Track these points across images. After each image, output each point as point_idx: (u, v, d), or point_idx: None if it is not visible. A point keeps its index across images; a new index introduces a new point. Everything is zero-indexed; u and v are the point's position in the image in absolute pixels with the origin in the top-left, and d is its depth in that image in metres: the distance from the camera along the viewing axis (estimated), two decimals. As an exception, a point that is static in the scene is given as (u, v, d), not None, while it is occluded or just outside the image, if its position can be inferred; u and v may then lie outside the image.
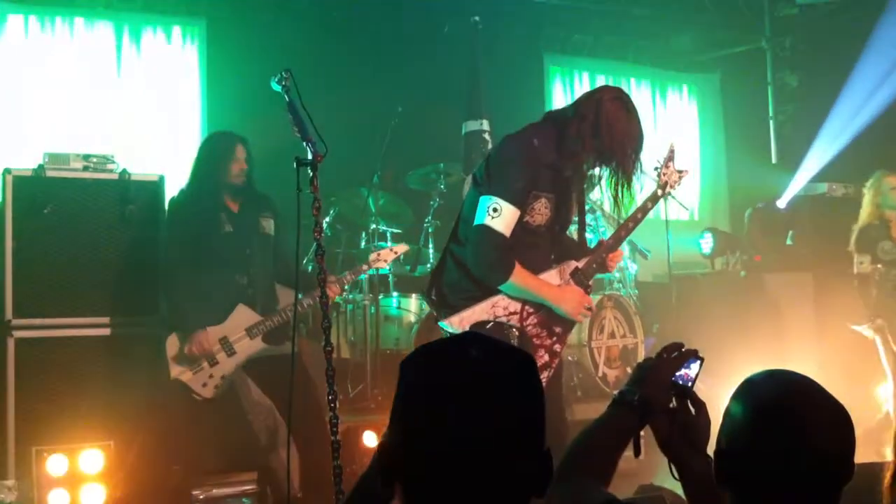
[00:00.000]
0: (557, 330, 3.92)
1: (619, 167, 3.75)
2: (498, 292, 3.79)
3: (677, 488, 2.19)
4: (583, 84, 9.90)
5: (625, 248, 7.15)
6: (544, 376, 3.83)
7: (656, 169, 4.13)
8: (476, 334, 1.56)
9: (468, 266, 3.80)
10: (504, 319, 3.80)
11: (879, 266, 6.36)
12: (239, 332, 4.84)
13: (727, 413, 1.86)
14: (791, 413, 1.78)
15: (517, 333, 3.81)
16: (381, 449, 1.52)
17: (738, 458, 1.80)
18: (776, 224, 8.18)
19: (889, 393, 6.26)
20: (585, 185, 4.03)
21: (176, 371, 4.77)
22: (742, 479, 1.80)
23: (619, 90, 3.91)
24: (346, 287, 5.46)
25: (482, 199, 3.73)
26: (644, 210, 4.03)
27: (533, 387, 1.50)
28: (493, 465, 1.41)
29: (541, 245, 3.90)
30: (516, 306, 3.83)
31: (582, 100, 3.88)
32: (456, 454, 1.41)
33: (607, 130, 3.71)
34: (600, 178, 3.85)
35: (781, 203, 8.46)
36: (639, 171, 3.81)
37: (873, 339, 6.36)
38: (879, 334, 6.30)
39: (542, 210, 3.78)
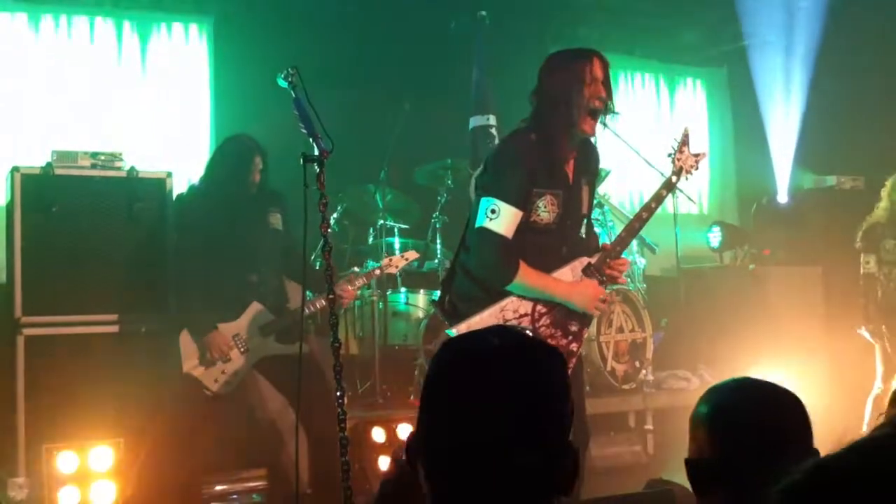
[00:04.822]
0: (573, 329, 3.83)
1: (582, 105, 3.65)
2: (507, 295, 3.72)
3: (687, 483, 2.19)
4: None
5: (633, 243, 7.14)
6: None
7: (670, 155, 4.03)
8: (503, 327, 1.57)
9: (474, 271, 3.76)
10: (515, 323, 3.71)
11: (884, 268, 6.32)
12: (252, 330, 4.85)
13: (690, 421, 1.90)
14: (747, 417, 1.83)
15: (530, 334, 3.73)
16: (408, 440, 1.53)
17: (704, 463, 1.84)
18: (784, 218, 8.16)
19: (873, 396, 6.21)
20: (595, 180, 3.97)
21: (189, 366, 4.78)
22: (712, 483, 1.83)
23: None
24: (357, 291, 5.48)
25: (481, 201, 3.68)
26: (658, 199, 3.95)
27: (555, 380, 1.49)
28: (511, 458, 1.40)
29: (550, 244, 3.80)
30: (527, 308, 3.75)
31: None
32: (473, 446, 1.41)
33: (554, 80, 3.70)
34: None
35: (782, 198, 8.45)
36: (609, 110, 3.73)
37: (876, 344, 6.31)
38: (878, 341, 6.26)
39: (548, 207, 3.71)
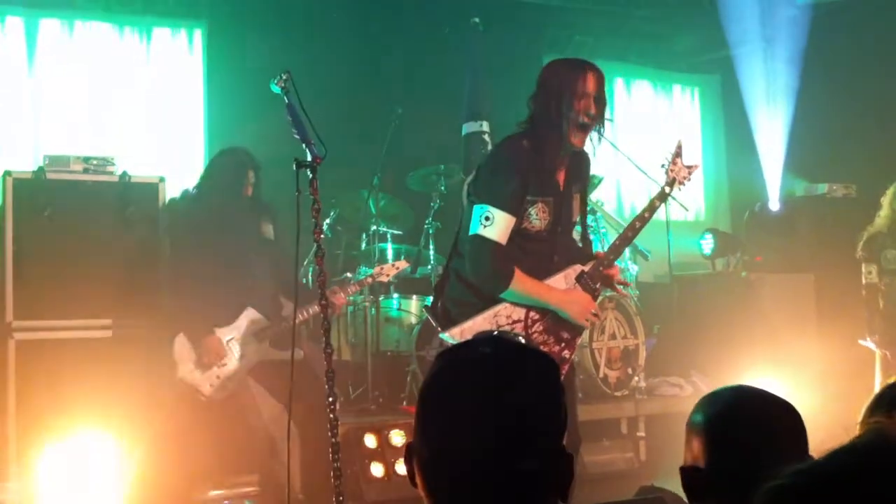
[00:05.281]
0: (565, 336, 3.83)
1: (571, 118, 3.66)
2: (500, 301, 3.73)
3: (679, 490, 2.19)
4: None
5: (626, 249, 7.14)
6: None
7: (663, 166, 4.04)
8: (495, 336, 1.59)
9: (468, 278, 3.76)
10: (508, 328, 3.72)
11: (885, 277, 6.31)
12: (247, 336, 4.85)
13: (686, 429, 1.90)
14: (743, 426, 1.84)
15: (522, 342, 3.74)
16: (406, 450, 1.54)
17: (700, 472, 1.84)
18: (776, 225, 8.17)
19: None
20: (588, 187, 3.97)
21: (183, 371, 4.77)
22: (707, 492, 1.83)
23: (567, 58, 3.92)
24: (350, 297, 5.50)
25: (475, 208, 3.69)
26: (652, 209, 3.97)
27: (547, 386, 1.50)
28: (507, 464, 1.41)
29: (543, 250, 3.82)
30: (520, 314, 3.75)
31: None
32: (469, 454, 1.42)
33: (547, 89, 3.70)
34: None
35: (774, 205, 8.47)
36: (601, 120, 3.74)
37: (877, 353, 6.29)
38: (882, 350, 6.24)
39: (539, 215, 3.73)
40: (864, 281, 6.40)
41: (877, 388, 6.09)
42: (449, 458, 1.44)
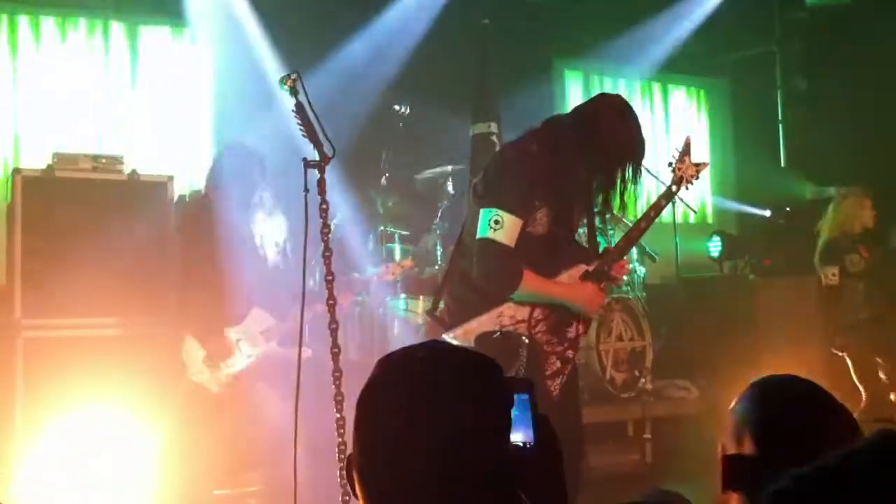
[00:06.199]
0: (570, 335, 3.83)
1: (615, 176, 3.73)
2: (504, 301, 3.73)
3: (683, 492, 2.19)
4: (592, 87, 9.90)
5: (633, 251, 7.13)
6: (556, 384, 3.77)
7: (670, 164, 4.02)
8: (436, 341, 1.55)
9: (476, 280, 3.74)
10: (511, 329, 3.71)
11: (846, 281, 6.37)
12: (255, 335, 4.85)
13: (732, 416, 1.88)
14: (795, 416, 1.80)
15: (526, 342, 3.69)
16: (346, 462, 1.51)
17: (745, 461, 1.82)
18: (785, 228, 8.17)
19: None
20: (595, 187, 3.96)
21: (192, 371, 4.78)
22: (752, 481, 1.81)
23: (619, 98, 3.87)
24: (357, 297, 5.51)
25: (483, 211, 3.67)
26: (658, 208, 3.95)
27: (483, 387, 1.46)
28: (443, 470, 1.38)
29: (546, 253, 3.80)
30: (524, 314, 3.74)
31: (580, 108, 3.86)
32: (403, 463, 1.39)
33: (600, 141, 3.69)
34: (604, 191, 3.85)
35: (782, 208, 8.47)
36: (638, 180, 3.78)
37: (846, 358, 6.34)
38: (849, 354, 6.28)
39: (542, 220, 3.72)
40: (824, 283, 6.45)
41: (862, 391, 6.06)
42: (383, 469, 1.41)
